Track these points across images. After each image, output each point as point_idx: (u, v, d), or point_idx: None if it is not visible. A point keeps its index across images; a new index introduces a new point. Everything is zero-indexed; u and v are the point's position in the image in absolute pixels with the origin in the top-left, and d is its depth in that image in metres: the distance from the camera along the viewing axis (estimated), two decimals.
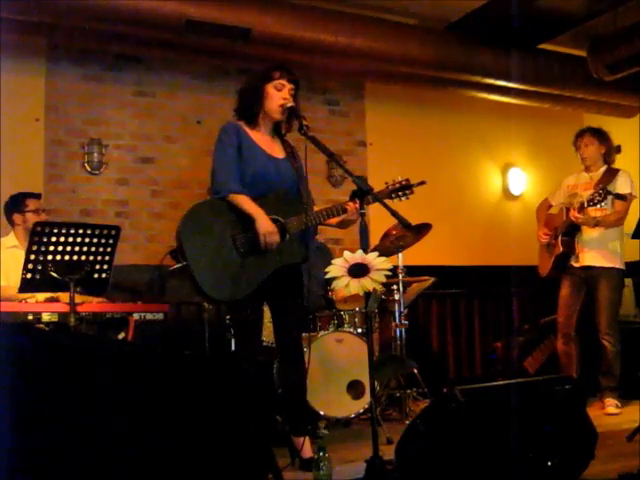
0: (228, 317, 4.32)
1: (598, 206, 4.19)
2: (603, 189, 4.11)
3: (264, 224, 2.95)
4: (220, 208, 3.02)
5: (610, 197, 4.16)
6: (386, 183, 3.17)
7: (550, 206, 4.77)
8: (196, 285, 2.92)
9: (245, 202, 2.99)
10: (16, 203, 3.96)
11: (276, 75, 3.11)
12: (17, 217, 3.93)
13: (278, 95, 3.09)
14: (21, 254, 3.22)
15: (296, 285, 3.18)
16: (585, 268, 4.46)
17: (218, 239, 2.96)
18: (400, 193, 3.14)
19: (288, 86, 3.11)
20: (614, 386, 4.43)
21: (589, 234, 4.43)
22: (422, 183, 3.19)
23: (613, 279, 4.44)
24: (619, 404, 4.38)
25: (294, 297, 3.18)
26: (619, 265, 4.45)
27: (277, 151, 3.20)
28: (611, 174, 4.47)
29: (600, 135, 4.58)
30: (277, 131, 3.23)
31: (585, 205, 4.19)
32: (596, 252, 4.42)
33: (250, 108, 3.14)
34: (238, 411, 1.93)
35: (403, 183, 3.15)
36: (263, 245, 2.95)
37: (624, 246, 4.48)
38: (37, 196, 4.05)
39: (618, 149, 6.27)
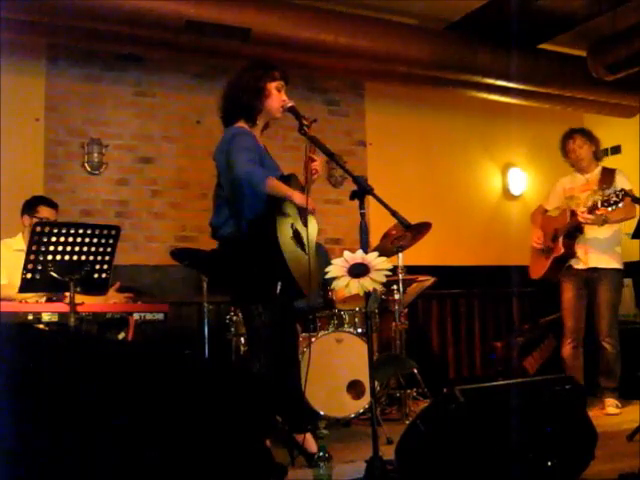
0: (228, 317, 4.32)
1: (612, 208, 4.03)
2: (621, 190, 3.99)
3: (300, 197, 2.94)
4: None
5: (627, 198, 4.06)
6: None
7: (545, 211, 4.71)
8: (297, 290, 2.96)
9: (276, 186, 2.93)
10: (29, 205, 3.94)
11: (277, 75, 3.13)
12: (26, 219, 3.90)
13: (279, 96, 3.12)
14: None
15: None
16: (588, 269, 4.43)
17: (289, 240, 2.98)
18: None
19: (284, 87, 3.15)
20: (614, 386, 4.42)
21: (592, 234, 4.39)
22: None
23: (615, 280, 4.43)
24: (619, 404, 4.38)
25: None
26: (620, 266, 4.44)
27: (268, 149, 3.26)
28: (610, 174, 4.44)
29: (589, 135, 4.57)
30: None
31: (599, 205, 4.06)
32: (600, 253, 4.40)
33: (252, 107, 3.12)
34: (238, 411, 1.92)
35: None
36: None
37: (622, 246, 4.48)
38: (52, 205, 3.97)
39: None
